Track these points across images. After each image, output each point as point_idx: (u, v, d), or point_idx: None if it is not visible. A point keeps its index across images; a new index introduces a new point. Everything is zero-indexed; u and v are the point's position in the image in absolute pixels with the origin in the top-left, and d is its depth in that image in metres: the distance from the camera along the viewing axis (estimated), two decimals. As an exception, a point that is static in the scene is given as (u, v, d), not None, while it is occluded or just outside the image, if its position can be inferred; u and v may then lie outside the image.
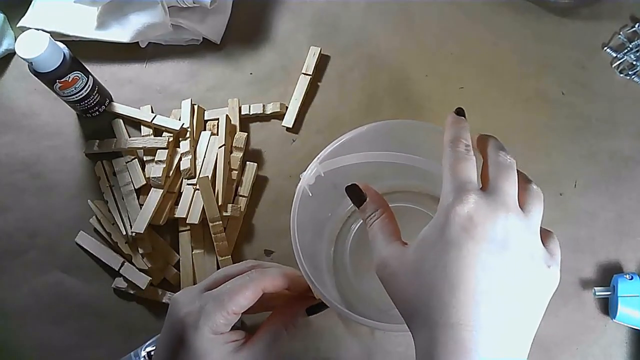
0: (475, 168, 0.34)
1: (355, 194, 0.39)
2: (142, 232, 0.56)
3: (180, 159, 0.60)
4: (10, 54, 0.69)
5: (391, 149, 0.45)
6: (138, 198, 0.59)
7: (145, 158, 0.61)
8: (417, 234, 0.50)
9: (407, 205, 0.55)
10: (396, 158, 0.45)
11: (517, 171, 0.35)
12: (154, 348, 0.51)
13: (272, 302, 0.43)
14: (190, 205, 0.58)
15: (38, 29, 0.56)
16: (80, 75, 0.59)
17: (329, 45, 0.65)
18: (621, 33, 0.62)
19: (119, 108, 0.64)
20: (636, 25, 0.62)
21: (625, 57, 0.61)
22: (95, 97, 0.62)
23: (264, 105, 0.62)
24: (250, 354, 0.38)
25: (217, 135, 0.61)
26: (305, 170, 0.44)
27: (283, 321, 0.41)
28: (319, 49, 0.64)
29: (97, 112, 0.64)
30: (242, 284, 0.39)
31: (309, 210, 0.45)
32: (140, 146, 0.61)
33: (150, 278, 0.56)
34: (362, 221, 0.54)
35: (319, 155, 0.45)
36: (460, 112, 0.38)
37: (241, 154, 0.60)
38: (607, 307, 0.52)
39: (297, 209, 0.43)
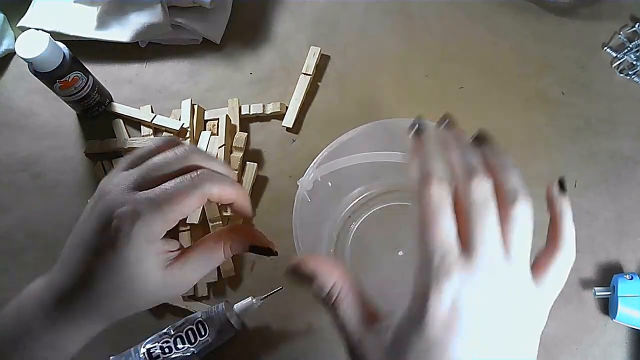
0: (453, 219, 0.27)
1: (300, 279, 0.31)
2: (142, 232, 0.56)
3: (180, 159, 0.60)
4: (10, 54, 0.69)
5: (389, 148, 0.45)
6: (138, 198, 0.59)
7: (145, 158, 0.61)
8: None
9: (407, 203, 0.55)
10: (391, 157, 0.45)
11: (498, 184, 0.29)
12: (153, 345, 0.51)
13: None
14: (190, 205, 0.57)
15: (38, 29, 0.56)
16: (80, 75, 0.59)
17: (329, 45, 0.65)
18: (621, 33, 0.62)
19: (119, 108, 0.64)
20: (636, 25, 0.62)
21: (625, 57, 0.61)
22: (95, 97, 0.62)
23: (264, 105, 0.62)
24: (181, 272, 0.34)
25: (217, 135, 0.61)
26: (302, 177, 0.45)
27: (224, 244, 0.36)
28: (319, 49, 0.64)
29: (97, 112, 0.64)
30: (184, 190, 0.32)
31: (309, 213, 0.45)
32: (140, 146, 0.61)
33: (150, 278, 0.55)
34: (361, 220, 0.55)
35: (315, 160, 0.45)
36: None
37: (241, 154, 0.60)
38: (607, 307, 0.52)
39: (298, 216, 0.43)
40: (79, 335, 0.35)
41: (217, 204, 0.56)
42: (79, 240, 0.34)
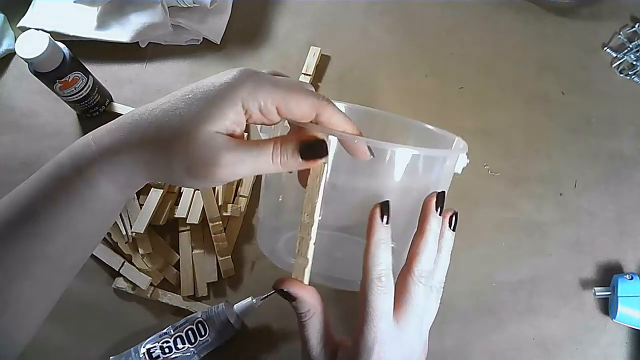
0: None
1: (284, 295, 0.36)
2: (142, 232, 0.56)
3: (180, 159, 0.60)
4: (10, 54, 0.69)
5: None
6: (138, 198, 0.59)
7: (145, 158, 0.61)
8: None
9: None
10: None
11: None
12: (153, 345, 0.51)
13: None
14: (190, 205, 0.57)
15: (38, 29, 0.56)
16: (80, 75, 0.59)
17: (329, 45, 0.65)
18: (621, 33, 0.62)
19: (119, 108, 0.64)
20: (636, 25, 0.62)
21: (625, 57, 0.61)
22: (95, 97, 0.62)
23: (264, 105, 0.62)
24: (234, 159, 0.32)
25: (217, 135, 0.61)
26: None
27: (274, 144, 0.34)
28: (319, 49, 0.64)
29: (97, 112, 0.64)
30: (304, 90, 0.34)
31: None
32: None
33: (150, 278, 0.56)
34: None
35: None
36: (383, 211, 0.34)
37: (241, 154, 0.60)
38: (607, 307, 0.52)
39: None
40: (118, 193, 0.33)
41: (218, 204, 0.56)
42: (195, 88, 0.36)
